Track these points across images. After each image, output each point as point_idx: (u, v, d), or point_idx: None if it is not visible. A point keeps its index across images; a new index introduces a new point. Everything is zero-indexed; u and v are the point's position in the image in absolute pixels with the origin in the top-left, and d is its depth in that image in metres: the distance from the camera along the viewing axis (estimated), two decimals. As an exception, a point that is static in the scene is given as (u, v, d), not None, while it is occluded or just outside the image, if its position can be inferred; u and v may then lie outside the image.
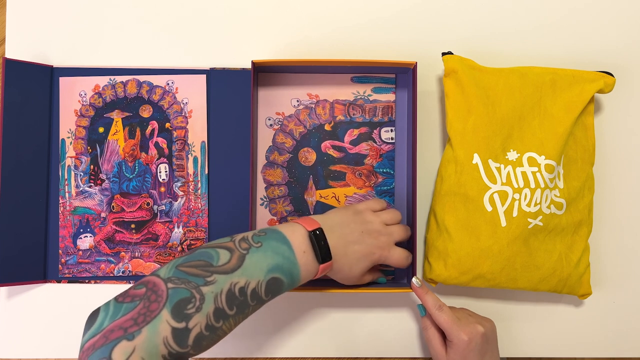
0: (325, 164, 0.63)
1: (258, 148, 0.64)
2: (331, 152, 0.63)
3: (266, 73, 0.64)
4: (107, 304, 0.42)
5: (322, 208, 0.63)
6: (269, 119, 0.63)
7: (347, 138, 0.63)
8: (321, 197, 0.63)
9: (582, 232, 0.60)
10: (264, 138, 0.64)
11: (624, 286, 0.65)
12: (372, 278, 0.59)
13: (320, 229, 0.50)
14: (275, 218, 0.63)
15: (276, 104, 0.63)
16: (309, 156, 0.63)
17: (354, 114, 0.63)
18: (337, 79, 0.63)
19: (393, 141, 0.63)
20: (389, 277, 0.63)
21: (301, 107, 0.63)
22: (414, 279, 0.57)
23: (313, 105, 0.63)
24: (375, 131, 0.63)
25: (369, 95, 0.64)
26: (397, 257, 0.55)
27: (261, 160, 0.64)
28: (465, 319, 0.55)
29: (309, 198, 0.63)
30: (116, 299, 0.43)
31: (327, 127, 0.63)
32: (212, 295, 0.43)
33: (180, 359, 0.43)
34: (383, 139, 0.63)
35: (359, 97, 0.64)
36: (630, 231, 0.65)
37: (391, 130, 0.63)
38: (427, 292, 0.56)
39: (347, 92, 0.64)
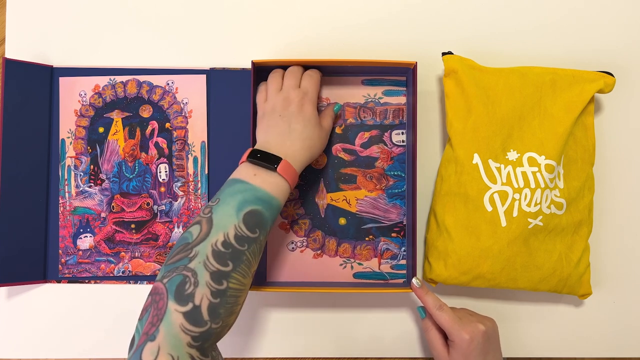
0: (336, 166, 0.63)
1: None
2: (342, 155, 0.63)
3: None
4: (135, 328, 0.45)
5: (333, 211, 0.63)
6: None
7: (357, 141, 0.63)
8: (332, 200, 0.63)
9: (582, 232, 0.60)
10: None
11: (624, 286, 0.65)
12: (330, 118, 0.60)
13: (254, 149, 0.52)
14: (286, 221, 0.63)
15: None
16: (319, 159, 0.63)
17: (364, 117, 0.63)
18: (347, 81, 0.64)
19: (404, 144, 0.63)
20: (385, 281, 0.63)
21: None
22: (413, 280, 0.57)
23: (324, 108, 0.63)
24: (386, 134, 0.63)
25: (380, 97, 0.64)
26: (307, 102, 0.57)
27: None
28: (466, 318, 0.55)
29: (320, 201, 0.63)
30: (138, 319, 0.45)
31: (338, 130, 0.63)
32: (201, 264, 0.44)
33: (208, 338, 0.44)
34: (394, 141, 0.63)
35: (369, 99, 0.64)
36: (630, 231, 0.65)
37: (402, 133, 0.64)
38: (427, 292, 0.56)
39: (357, 94, 0.64)
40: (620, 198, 0.65)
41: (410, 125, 0.62)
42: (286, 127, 0.54)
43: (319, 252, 0.63)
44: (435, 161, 0.64)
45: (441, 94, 0.65)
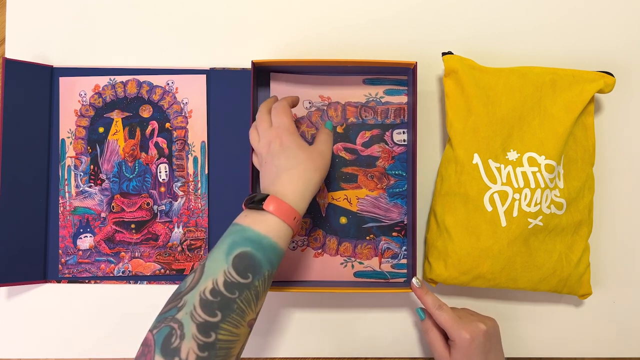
0: (337, 166, 0.63)
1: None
2: (343, 154, 0.63)
3: (278, 73, 0.63)
4: None
5: (334, 211, 0.63)
6: None
7: (359, 140, 0.63)
8: (333, 199, 0.63)
9: (582, 232, 0.60)
10: None
11: (624, 286, 0.65)
12: (324, 138, 0.55)
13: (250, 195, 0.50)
14: None
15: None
16: None
17: (366, 116, 0.63)
18: (348, 81, 0.63)
19: (405, 143, 0.63)
20: (386, 280, 0.63)
21: (313, 109, 0.63)
22: (413, 280, 0.57)
23: (325, 108, 0.63)
24: (387, 133, 0.63)
25: (381, 97, 0.63)
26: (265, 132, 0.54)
27: None
28: (466, 317, 0.55)
29: (320, 200, 0.63)
30: None
31: (339, 130, 0.63)
32: (188, 315, 0.42)
33: None
34: (395, 141, 0.63)
35: (371, 99, 0.63)
36: (630, 231, 0.65)
37: (403, 132, 0.63)
38: (427, 292, 0.56)
39: (359, 94, 0.63)
40: (620, 198, 0.65)
41: (410, 125, 0.62)
42: (273, 167, 0.51)
43: (319, 250, 0.63)
44: (435, 161, 0.64)
45: (441, 94, 0.65)
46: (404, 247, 0.63)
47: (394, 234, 0.63)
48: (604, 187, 0.65)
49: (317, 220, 0.63)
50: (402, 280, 0.63)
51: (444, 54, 0.61)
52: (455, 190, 0.59)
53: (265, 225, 0.47)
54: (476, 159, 0.58)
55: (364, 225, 0.63)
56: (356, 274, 0.63)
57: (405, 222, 0.63)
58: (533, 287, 0.60)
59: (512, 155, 0.58)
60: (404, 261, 0.63)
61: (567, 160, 0.60)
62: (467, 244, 0.58)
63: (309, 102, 0.63)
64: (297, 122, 0.63)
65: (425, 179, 0.64)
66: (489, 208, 0.58)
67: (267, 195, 0.48)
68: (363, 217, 0.63)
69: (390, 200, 0.63)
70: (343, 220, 0.63)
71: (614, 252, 0.65)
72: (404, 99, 0.63)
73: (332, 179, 0.63)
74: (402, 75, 0.63)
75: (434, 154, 0.65)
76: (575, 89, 0.59)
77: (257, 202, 0.48)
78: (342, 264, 0.63)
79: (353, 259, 0.63)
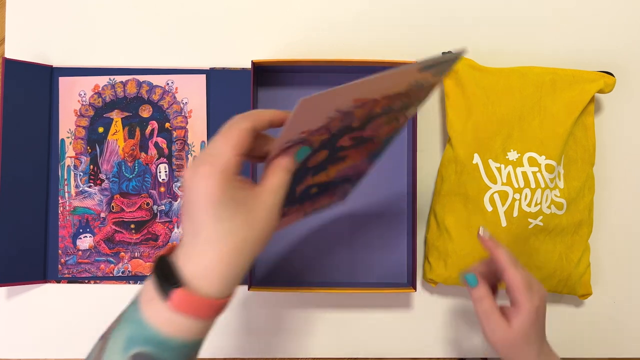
0: (333, 156, 0.49)
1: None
2: (344, 142, 0.48)
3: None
4: None
5: (308, 187, 0.50)
6: (288, 142, 0.41)
7: (370, 127, 0.48)
8: (312, 182, 0.51)
9: (582, 232, 0.60)
10: None
11: (624, 286, 0.65)
12: (279, 173, 0.37)
13: (162, 256, 0.35)
14: None
15: (307, 124, 0.41)
16: (318, 157, 0.48)
17: (394, 104, 0.46)
18: (400, 76, 0.44)
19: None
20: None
21: (338, 115, 0.44)
22: (480, 229, 0.48)
23: (352, 109, 0.45)
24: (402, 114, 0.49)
25: (427, 81, 0.46)
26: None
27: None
28: (531, 278, 0.47)
29: (299, 187, 0.51)
30: None
31: (355, 124, 0.46)
32: None
33: None
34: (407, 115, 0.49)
35: (414, 85, 0.45)
36: (630, 231, 0.65)
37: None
38: (499, 245, 0.48)
39: (404, 83, 0.46)
40: (621, 198, 0.65)
41: (410, 125, 0.62)
42: (190, 228, 0.34)
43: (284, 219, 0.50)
44: (435, 161, 0.64)
45: (441, 94, 0.65)
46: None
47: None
48: (604, 187, 0.64)
49: (289, 201, 0.49)
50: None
51: (444, 53, 0.61)
52: (455, 190, 0.59)
53: (172, 325, 0.33)
54: (476, 159, 0.58)
55: (334, 185, 0.52)
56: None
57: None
58: (533, 287, 0.59)
59: (513, 155, 0.58)
60: None
61: (567, 160, 0.60)
62: (467, 244, 0.58)
63: (337, 111, 0.42)
64: (312, 134, 0.41)
65: (425, 179, 0.64)
66: (489, 208, 0.57)
67: (177, 283, 0.33)
68: (333, 181, 0.51)
69: (367, 160, 0.51)
70: (314, 190, 0.51)
71: (614, 252, 0.65)
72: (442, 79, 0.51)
73: (320, 169, 0.49)
74: None
75: (434, 154, 0.65)
76: (575, 89, 0.59)
77: (165, 283, 0.33)
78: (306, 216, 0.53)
79: (318, 209, 0.53)
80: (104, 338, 0.36)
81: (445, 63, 0.45)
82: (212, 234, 0.33)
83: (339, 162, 0.50)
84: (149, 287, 0.34)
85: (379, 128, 0.48)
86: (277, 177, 0.37)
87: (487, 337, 0.48)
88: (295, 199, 0.50)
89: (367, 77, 0.38)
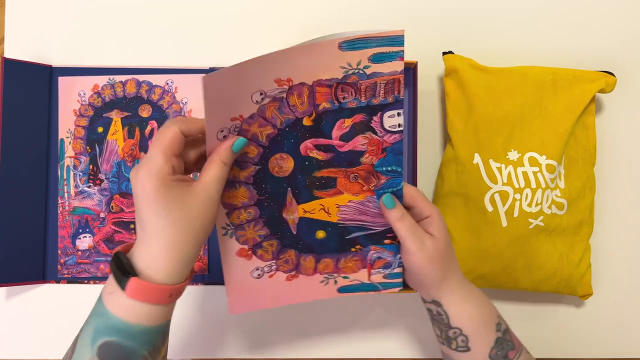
0: (307, 170, 0.47)
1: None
2: (314, 154, 0.47)
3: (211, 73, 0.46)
4: None
5: (309, 225, 0.49)
6: (222, 131, 0.42)
7: (335, 132, 0.46)
8: (305, 212, 0.49)
9: (583, 232, 0.60)
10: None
11: (625, 287, 0.65)
12: (215, 168, 0.40)
13: (117, 252, 0.39)
14: (245, 247, 0.49)
15: (230, 107, 0.42)
16: (283, 164, 0.47)
17: (344, 98, 0.45)
18: (317, 50, 0.43)
19: (401, 129, 0.47)
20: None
21: (267, 100, 0.44)
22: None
23: (284, 95, 0.44)
24: (375, 118, 0.46)
25: (366, 66, 0.44)
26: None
27: None
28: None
29: (289, 216, 0.49)
30: None
31: (307, 122, 0.46)
32: None
33: None
34: (387, 127, 0.47)
35: (351, 71, 0.44)
36: (631, 231, 0.65)
37: (398, 115, 0.46)
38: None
39: (333, 67, 0.44)
40: (622, 198, 0.65)
41: (410, 125, 0.61)
42: (138, 223, 0.39)
43: (292, 273, 0.51)
44: (436, 161, 0.64)
45: (442, 94, 0.65)
46: (399, 255, 0.50)
47: (386, 241, 0.50)
48: (605, 187, 0.64)
49: (287, 239, 0.50)
50: (396, 290, 0.52)
51: (444, 53, 0.61)
52: (455, 190, 0.59)
53: (131, 312, 0.38)
54: (477, 159, 0.58)
55: (348, 236, 0.50)
56: (340, 290, 0.52)
57: None
58: (534, 287, 0.59)
59: (513, 155, 0.58)
60: (399, 270, 0.51)
61: (568, 160, 0.60)
62: (467, 245, 0.58)
63: (261, 93, 0.43)
64: (244, 124, 0.44)
65: (426, 179, 0.64)
66: (490, 208, 0.57)
67: (131, 273, 0.38)
68: (346, 228, 0.50)
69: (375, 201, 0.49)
70: (320, 234, 0.50)
71: (615, 253, 0.64)
72: (398, 65, 0.44)
73: (301, 188, 0.48)
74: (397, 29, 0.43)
75: (435, 154, 0.64)
76: (576, 88, 0.59)
77: (120, 275, 0.38)
78: (322, 282, 0.52)
79: (336, 274, 0.51)
80: (76, 337, 0.40)
81: (378, 45, 0.43)
82: (154, 228, 0.38)
83: (327, 188, 0.49)
84: (110, 281, 0.39)
85: (357, 143, 0.47)
86: (212, 170, 0.40)
87: (417, 256, 0.46)
88: (294, 238, 0.49)
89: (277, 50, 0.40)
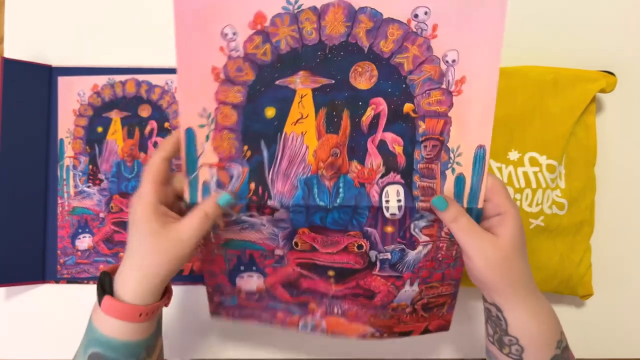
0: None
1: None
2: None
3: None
4: None
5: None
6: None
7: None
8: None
9: (583, 232, 0.60)
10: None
11: (626, 287, 0.64)
12: (197, 220, 0.42)
13: (104, 271, 0.43)
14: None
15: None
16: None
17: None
18: None
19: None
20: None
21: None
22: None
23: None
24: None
25: None
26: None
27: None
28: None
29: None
30: None
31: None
32: None
33: None
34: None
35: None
36: (632, 231, 0.65)
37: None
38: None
39: None
40: (622, 198, 0.65)
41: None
42: (126, 245, 0.43)
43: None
44: (436, 161, 0.64)
45: (442, 94, 0.65)
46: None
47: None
48: (606, 187, 0.64)
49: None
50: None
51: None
52: (456, 190, 0.59)
53: (109, 327, 0.41)
54: (477, 159, 0.58)
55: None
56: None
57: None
58: (534, 287, 0.59)
59: (514, 155, 0.58)
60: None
61: (568, 160, 0.60)
62: (468, 245, 0.58)
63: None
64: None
65: (426, 179, 0.64)
66: (490, 208, 0.57)
67: (106, 292, 0.41)
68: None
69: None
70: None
71: (616, 253, 0.64)
72: None
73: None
74: None
75: (435, 153, 0.64)
76: (576, 88, 0.59)
77: (99, 291, 0.42)
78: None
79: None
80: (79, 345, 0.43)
81: None
82: (129, 251, 0.42)
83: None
84: (96, 301, 0.42)
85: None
86: (194, 220, 0.42)
87: (474, 260, 0.41)
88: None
89: None
